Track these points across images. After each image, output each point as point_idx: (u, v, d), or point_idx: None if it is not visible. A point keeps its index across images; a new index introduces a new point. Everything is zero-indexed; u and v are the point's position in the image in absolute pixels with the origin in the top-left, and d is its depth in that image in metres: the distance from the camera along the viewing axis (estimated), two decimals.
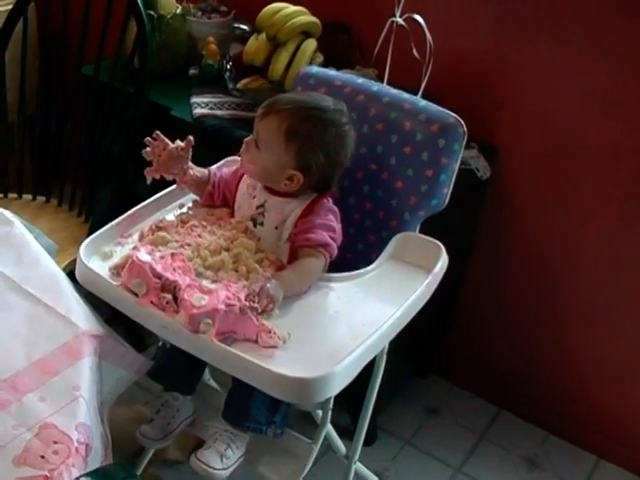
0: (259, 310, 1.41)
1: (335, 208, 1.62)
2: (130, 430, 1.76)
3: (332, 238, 1.57)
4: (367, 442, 2.30)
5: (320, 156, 1.56)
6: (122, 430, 1.81)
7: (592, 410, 2.48)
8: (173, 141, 1.65)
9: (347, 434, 2.00)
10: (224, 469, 1.61)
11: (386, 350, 1.78)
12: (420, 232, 1.71)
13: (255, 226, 1.59)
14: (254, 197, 1.62)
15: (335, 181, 1.62)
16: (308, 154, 1.55)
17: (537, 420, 2.59)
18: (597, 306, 2.35)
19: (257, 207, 1.60)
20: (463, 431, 2.57)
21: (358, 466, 2.00)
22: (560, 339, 2.45)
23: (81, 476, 1.21)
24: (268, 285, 1.43)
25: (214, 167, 1.72)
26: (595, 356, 2.42)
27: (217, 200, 1.68)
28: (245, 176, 1.66)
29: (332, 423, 1.81)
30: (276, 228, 1.58)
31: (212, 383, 1.90)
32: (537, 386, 2.55)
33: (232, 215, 1.66)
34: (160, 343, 1.73)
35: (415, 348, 2.46)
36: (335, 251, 1.58)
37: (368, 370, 1.78)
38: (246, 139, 1.61)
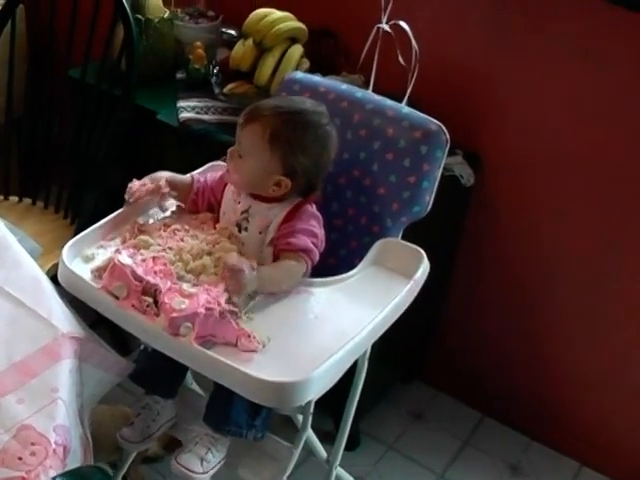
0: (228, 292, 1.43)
1: (318, 214, 1.63)
2: (114, 429, 1.77)
3: (314, 244, 1.58)
4: (350, 447, 2.32)
5: (303, 158, 1.56)
6: (106, 430, 1.82)
7: (574, 417, 2.49)
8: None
9: (330, 439, 2.00)
10: (204, 473, 1.61)
11: (368, 355, 1.78)
12: (404, 238, 1.72)
13: (240, 231, 1.60)
14: (239, 202, 1.62)
15: (320, 184, 1.63)
16: (291, 158, 1.55)
17: (520, 426, 2.60)
18: (579, 314, 2.36)
19: (242, 212, 1.61)
20: (447, 436, 2.57)
21: (339, 471, 2.00)
22: (542, 346, 2.46)
23: (56, 477, 1.21)
24: (246, 272, 1.43)
25: (197, 173, 1.73)
26: (577, 363, 2.43)
27: (201, 207, 1.69)
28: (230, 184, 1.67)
29: (315, 428, 1.81)
30: (260, 233, 1.59)
31: (195, 387, 1.91)
32: (520, 393, 2.56)
33: (217, 220, 1.66)
34: (142, 346, 1.74)
35: (399, 353, 2.46)
36: (317, 257, 1.59)
37: (351, 374, 1.79)
38: (230, 149, 1.62)
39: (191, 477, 1.59)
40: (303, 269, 1.56)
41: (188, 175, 1.71)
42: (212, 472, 1.63)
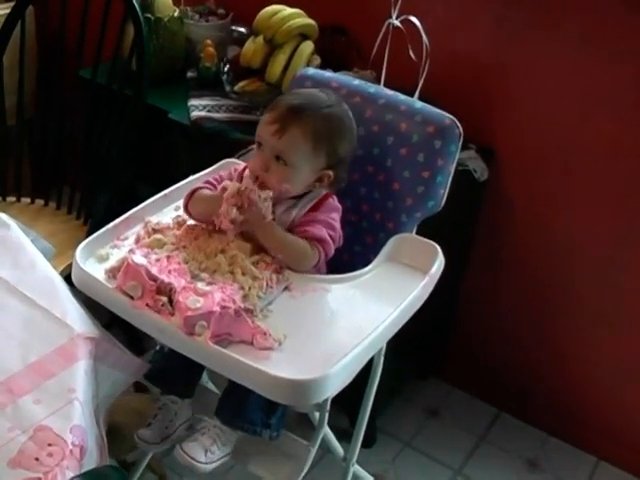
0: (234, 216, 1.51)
1: (339, 206, 1.64)
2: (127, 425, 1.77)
3: (331, 236, 1.59)
4: (366, 444, 2.31)
5: (347, 145, 1.62)
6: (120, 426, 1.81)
7: (592, 411, 2.48)
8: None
9: (347, 436, 1.99)
10: (207, 463, 1.59)
11: (384, 352, 1.78)
12: (418, 233, 1.71)
13: None
14: None
15: (346, 174, 1.67)
16: (338, 149, 1.60)
17: (537, 421, 2.59)
18: (595, 309, 2.35)
19: None
20: (463, 433, 2.56)
21: (356, 468, 1.99)
22: (559, 341, 2.45)
23: (74, 477, 1.21)
24: (259, 202, 1.51)
25: (212, 178, 1.69)
26: (594, 357, 2.41)
27: None
28: (246, 179, 1.64)
29: (331, 425, 1.80)
30: (287, 229, 1.59)
31: (210, 386, 1.90)
32: (537, 387, 2.55)
33: None
34: (158, 346, 1.73)
35: (415, 350, 2.46)
36: (331, 250, 1.59)
37: (367, 372, 1.79)
38: (259, 163, 1.59)
39: (193, 465, 1.58)
40: (315, 257, 1.56)
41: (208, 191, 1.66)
42: (215, 464, 1.61)
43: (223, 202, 1.53)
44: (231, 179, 1.65)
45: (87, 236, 1.61)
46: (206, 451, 1.60)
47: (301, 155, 1.57)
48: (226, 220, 1.53)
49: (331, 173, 1.60)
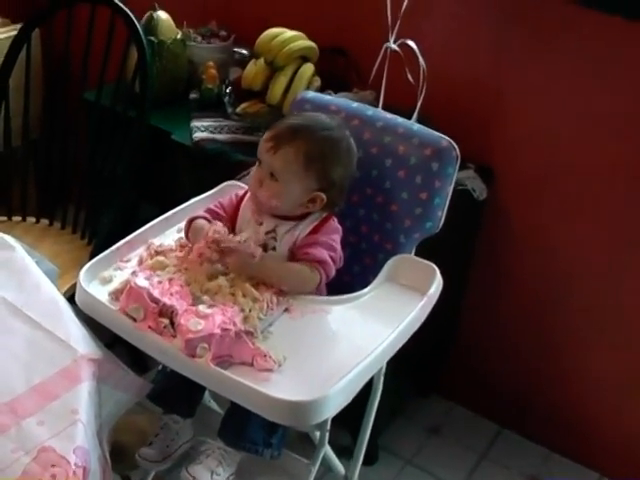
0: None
1: (340, 227, 1.66)
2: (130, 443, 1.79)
3: (331, 257, 1.60)
4: (368, 462, 2.32)
5: (340, 170, 1.62)
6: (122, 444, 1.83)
7: (594, 427, 2.48)
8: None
9: (348, 454, 2.00)
10: None
11: (384, 371, 1.79)
12: (418, 252, 1.73)
13: (266, 251, 1.61)
14: (261, 224, 1.64)
15: (344, 197, 1.67)
16: (330, 172, 1.61)
17: (539, 438, 2.59)
18: (596, 325, 2.36)
19: (266, 233, 1.63)
20: (465, 450, 2.57)
21: None
22: (559, 358, 2.46)
23: None
24: (246, 256, 1.52)
25: (213, 205, 1.71)
26: (595, 374, 2.42)
27: None
28: (246, 202, 1.68)
29: (333, 443, 1.81)
30: (289, 250, 1.62)
31: (213, 405, 1.92)
32: (538, 404, 2.56)
33: None
34: (160, 366, 1.75)
35: (415, 368, 2.47)
36: (332, 271, 1.61)
37: (368, 389, 1.80)
38: (255, 176, 1.62)
39: None
40: (316, 280, 1.58)
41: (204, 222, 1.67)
42: None
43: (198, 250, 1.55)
44: (232, 205, 1.69)
45: (91, 257, 1.63)
46: (212, 473, 1.61)
47: (291, 173, 1.59)
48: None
49: (323, 195, 1.61)
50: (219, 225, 1.58)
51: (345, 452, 2.04)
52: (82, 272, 1.55)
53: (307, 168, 1.59)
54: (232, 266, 1.53)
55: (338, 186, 1.63)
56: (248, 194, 1.68)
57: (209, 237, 1.54)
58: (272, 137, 1.61)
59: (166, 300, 1.45)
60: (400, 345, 1.52)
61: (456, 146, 1.69)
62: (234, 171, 1.96)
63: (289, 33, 2.32)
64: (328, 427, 1.72)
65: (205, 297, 1.49)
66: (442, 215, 1.71)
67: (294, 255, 1.61)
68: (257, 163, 1.64)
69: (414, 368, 2.45)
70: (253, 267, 1.53)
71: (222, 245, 1.53)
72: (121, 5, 2.26)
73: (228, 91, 2.38)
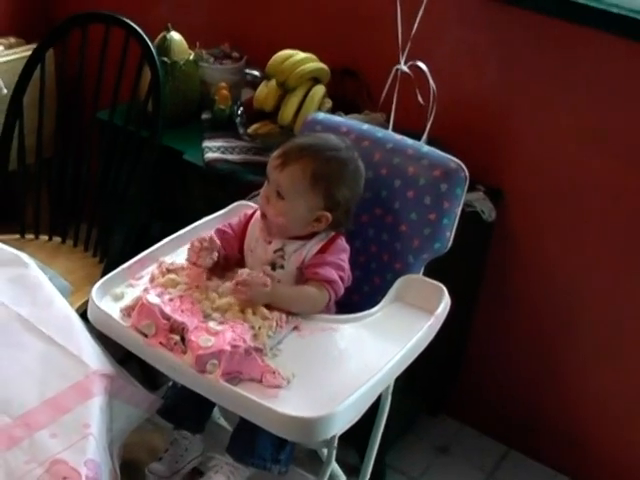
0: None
1: (347, 247, 1.68)
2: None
3: (340, 277, 1.62)
4: None
5: (343, 191, 1.63)
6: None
7: (601, 449, 2.48)
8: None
9: (355, 472, 2.01)
10: None
11: (391, 389, 1.80)
12: (427, 273, 1.75)
13: (274, 269, 1.63)
14: (269, 242, 1.66)
15: (352, 216, 1.69)
16: (335, 192, 1.62)
17: (546, 459, 2.59)
18: (604, 346, 2.36)
19: (275, 251, 1.65)
20: (472, 470, 2.57)
21: None
22: (568, 378, 2.46)
23: None
24: (258, 286, 1.52)
25: (222, 226, 1.73)
26: (603, 396, 2.42)
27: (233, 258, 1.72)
28: (255, 220, 1.71)
29: (340, 461, 1.82)
30: (298, 269, 1.64)
31: (222, 421, 1.93)
32: (546, 425, 2.56)
33: (242, 259, 1.70)
34: (171, 382, 1.77)
35: (424, 387, 2.48)
36: (341, 290, 1.63)
37: (376, 407, 1.81)
38: (264, 194, 1.65)
39: None
40: (325, 299, 1.60)
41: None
42: None
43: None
44: (240, 224, 1.72)
45: (103, 274, 1.65)
46: None
47: (297, 191, 1.61)
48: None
49: (329, 215, 1.63)
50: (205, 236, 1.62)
51: (353, 471, 2.05)
52: (94, 289, 1.57)
53: (313, 187, 1.61)
54: (247, 301, 1.53)
55: (343, 206, 1.65)
56: (257, 213, 1.70)
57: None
58: (280, 155, 1.64)
59: (177, 317, 1.47)
60: (407, 364, 1.54)
61: (465, 167, 1.72)
62: (245, 191, 1.98)
63: (301, 55, 2.34)
64: (335, 444, 1.73)
65: (215, 314, 1.51)
66: (451, 236, 1.73)
67: (303, 274, 1.63)
68: (266, 181, 1.66)
69: (423, 387, 2.46)
70: (266, 296, 1.54)
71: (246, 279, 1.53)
72: (135, 26, 2.29)
73: (240, 112, 2.40)
